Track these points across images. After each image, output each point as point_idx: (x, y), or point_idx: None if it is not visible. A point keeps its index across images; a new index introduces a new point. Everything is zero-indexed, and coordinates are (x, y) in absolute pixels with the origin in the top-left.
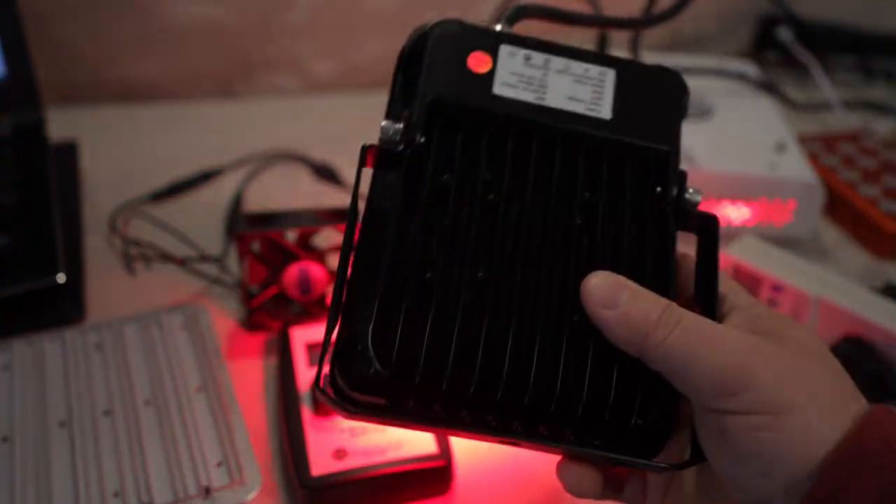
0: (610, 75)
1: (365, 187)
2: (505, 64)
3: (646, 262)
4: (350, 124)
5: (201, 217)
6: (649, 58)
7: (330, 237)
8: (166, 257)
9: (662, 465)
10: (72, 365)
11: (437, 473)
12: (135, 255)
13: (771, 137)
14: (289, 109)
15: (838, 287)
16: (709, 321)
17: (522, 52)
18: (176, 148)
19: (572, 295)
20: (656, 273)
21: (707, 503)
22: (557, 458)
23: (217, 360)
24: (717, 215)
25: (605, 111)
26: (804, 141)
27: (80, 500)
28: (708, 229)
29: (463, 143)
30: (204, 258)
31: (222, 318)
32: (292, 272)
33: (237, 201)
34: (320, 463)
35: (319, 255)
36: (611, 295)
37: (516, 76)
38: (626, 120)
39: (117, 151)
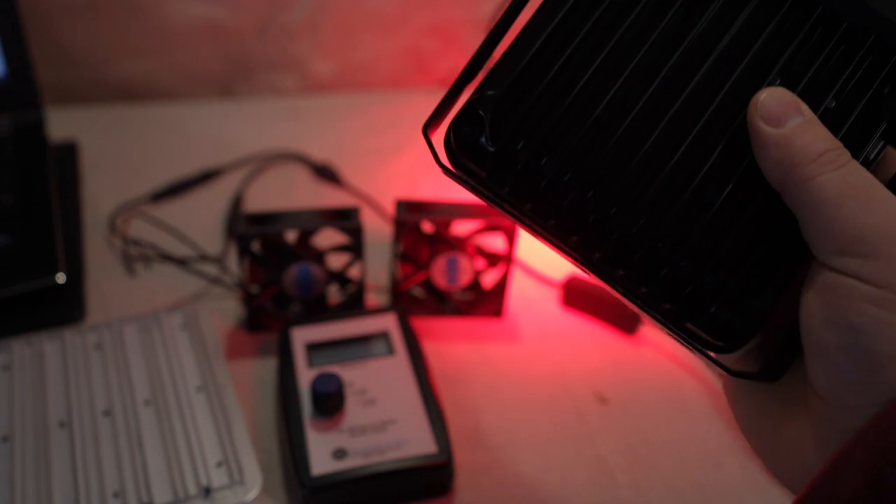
0: None
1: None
2: None
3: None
4: (350, 124)
5: (201, 217)
6: None
7: (330, 237)
8: (166, 257)
9: (723, 366)
10: (72, 365)
11: (437, 473)
12: (135, 255)
13: None
14: (289, 109)
15: None
16: (879, 182)
17: None
18: (176, 148)
19: (722, 163)
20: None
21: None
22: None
23: (217, 360)
24: None
25: None
26: None
27: (79, 499)
28: None
29: None
30: (204, 258)
31: (222, 318)
32: (292, 272)
33: (237, 201)
34: (320, 463)
35: (319, 255)
36: (780, 111)
37: None
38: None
39: (117, 151)
